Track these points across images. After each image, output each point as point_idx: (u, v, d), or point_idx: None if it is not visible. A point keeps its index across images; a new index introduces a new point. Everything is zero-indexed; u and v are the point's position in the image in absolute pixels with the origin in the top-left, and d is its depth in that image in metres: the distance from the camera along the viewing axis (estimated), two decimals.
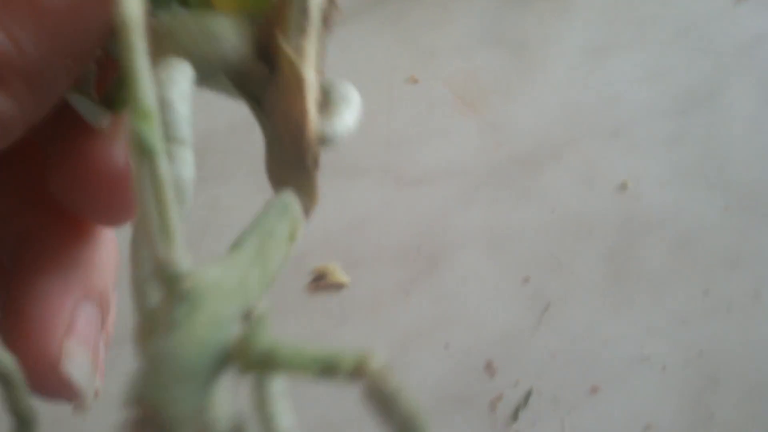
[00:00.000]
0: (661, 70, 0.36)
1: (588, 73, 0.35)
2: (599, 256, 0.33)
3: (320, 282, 0.31)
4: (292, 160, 0.12)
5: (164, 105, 0.11)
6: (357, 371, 0.10)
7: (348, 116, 0.13)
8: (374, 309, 0.31)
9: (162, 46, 0.12)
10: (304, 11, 0.12)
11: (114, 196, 0.15)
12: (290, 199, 0.12)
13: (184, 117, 0.11)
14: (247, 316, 0.11)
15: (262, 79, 0.12)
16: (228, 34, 0.12)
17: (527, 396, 0.31)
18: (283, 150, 0.12)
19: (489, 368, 0.31)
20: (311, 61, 0.11)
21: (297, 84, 0.11)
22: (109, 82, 0.14)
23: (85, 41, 0.13)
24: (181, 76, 0.12)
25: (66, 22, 0.12)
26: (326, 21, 0.12)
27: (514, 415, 0.31)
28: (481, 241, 0.32)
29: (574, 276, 0.32)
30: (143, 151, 0.10)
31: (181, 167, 0.11)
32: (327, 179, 0.32)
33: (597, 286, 0.32)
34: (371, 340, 0.31)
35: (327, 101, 0.12)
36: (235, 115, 0.33)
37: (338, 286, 0.31)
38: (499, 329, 0.31)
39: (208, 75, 0.12)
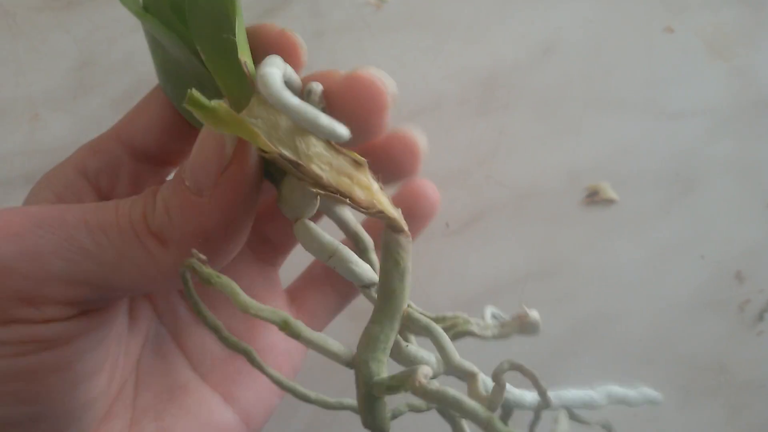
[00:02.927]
0: None
1: None
2: None
3: (594, 197, 0.35)
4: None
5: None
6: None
7: None
8: (639, 223, 0.35)
9: None
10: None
11: None
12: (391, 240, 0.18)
13: None
14: None
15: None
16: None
17: None
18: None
19: (738, 277, 0.34)
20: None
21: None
22: None
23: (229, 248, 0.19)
24: None
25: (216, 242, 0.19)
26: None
27: (760, 316, 0.34)
28: (730, 169, 0.35)
29: None
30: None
31: None
32: (599, 112, 0.35)
33: None
34: (637, 249, 0.35)
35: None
36: (517, 57, 0.37)
37: (609, 202, 0.35)
38: (746, 244, 0.35)
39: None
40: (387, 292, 0.18)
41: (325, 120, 0.18)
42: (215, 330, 0.19)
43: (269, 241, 0.26)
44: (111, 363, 0.21)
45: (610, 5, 0.37)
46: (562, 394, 0.21)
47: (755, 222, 0.35)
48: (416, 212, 0.25)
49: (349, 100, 0.19)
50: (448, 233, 0.35)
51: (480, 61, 0.37)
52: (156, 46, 0.21)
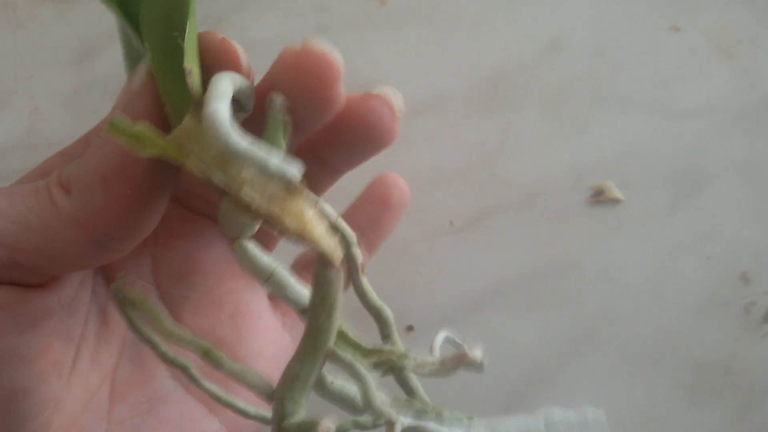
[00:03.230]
0: None
1: None
2: None
3: (599, 197, 0.35)
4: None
5: None
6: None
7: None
8: (645, 223, 0.34)
9: None
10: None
11: None
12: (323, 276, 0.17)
13: None
14: None
15: None
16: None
17: None
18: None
19: (744, 278, 0.34)
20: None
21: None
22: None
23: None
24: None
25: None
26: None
27: (766, 318, 0.34)
28: (737, 170, 0.35)
29: None
30: None
31: None
32: (605, 110, 0.35)
33: None
34: (642, 249, 0.34)
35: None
36: (524, 54, 0.36)
37: (614, 202, 0.35)
38: (753, 246, 0.34)
39: None
40: (312, 329, 0.17)
41: (275, 162, 0.16)
42: (152, 346, 0.19)
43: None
44: (53, 359, 0.20)
45: (616, 3, 0.36)
46: (494, 423, 0.20)
47: (762, 223, 0.34)
48: (390, 202, 0.26)
49: (300, 75, 0.19)
50: (453, 231, 0.34)
51: (486, 58, 0.36)
52: (124, 37, 0.21)
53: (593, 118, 0.35)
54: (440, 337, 0.21)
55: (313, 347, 0.17)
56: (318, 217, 0.17)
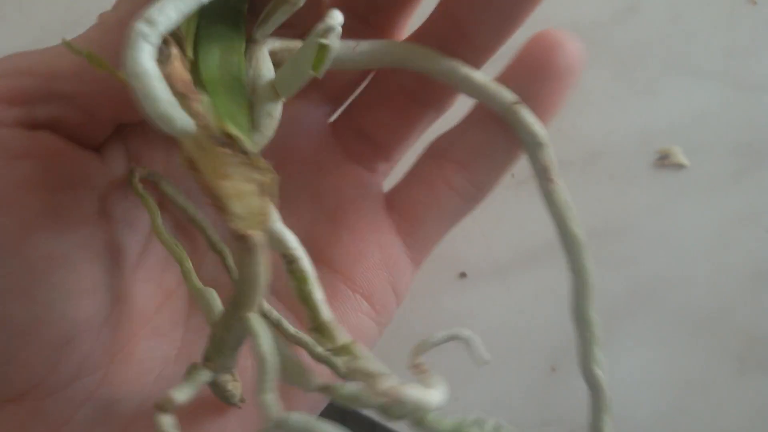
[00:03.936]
0: None
1: None
2: None
3: (664, 161, 0.34)
4: None
5: None
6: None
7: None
8: (708, 190, 0.34)
9: None
10: None
11: None
12: None
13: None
14: None
15: None
16: None
17: None
18: None
19: None
20: None
21: None
22: None
23: None
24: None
25: None
26: None
27: None
28: None
29: None
30: None
31: None
32: (676, 76, 0.34)
33: None
34: (703, 216, 0.34)
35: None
36: (599, 13, 0.36)
37: (679, 167, 0.34)
38: None
39: None
40: (235, 295, 0.14)
41: (162, 109, 0.12)
42: (201, 228, 0.18)
43: (368, 138, 0.21)
44: (94, 234, 0.17)
45: None
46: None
47: None
48: (552, 67, 0.20)
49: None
50: (513, 184, 0.34)
51: (560, 14, 0.36)
52: None
53: (664, 82, 0.35)
54: (440, 337, 0.17)
55: (233, 313, 0.14)
56: (244, 179, 0.13)
